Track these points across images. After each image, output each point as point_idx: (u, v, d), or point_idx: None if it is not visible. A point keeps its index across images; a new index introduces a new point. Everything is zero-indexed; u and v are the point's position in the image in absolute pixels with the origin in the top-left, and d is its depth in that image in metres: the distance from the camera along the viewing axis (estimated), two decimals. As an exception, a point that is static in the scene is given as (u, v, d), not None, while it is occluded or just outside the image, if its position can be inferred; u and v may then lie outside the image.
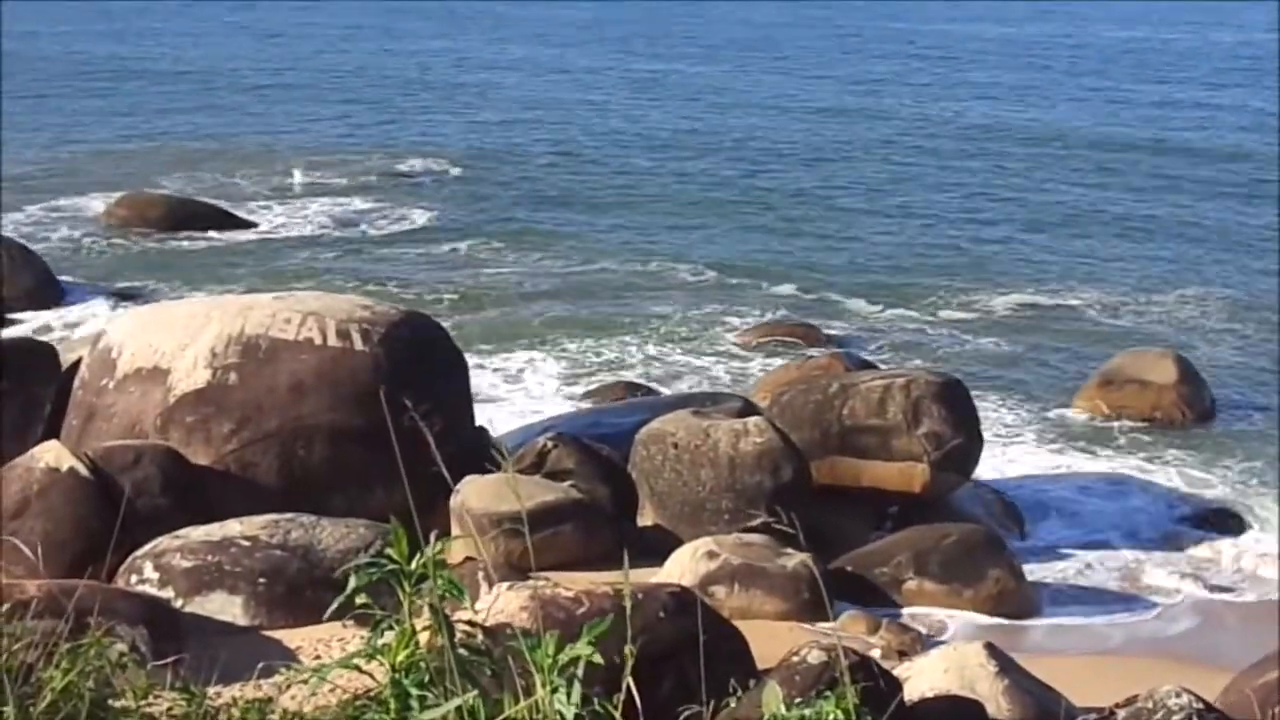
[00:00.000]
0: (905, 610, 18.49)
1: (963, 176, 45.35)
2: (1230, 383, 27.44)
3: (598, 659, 4.17)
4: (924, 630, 17.73)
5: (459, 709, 4.04)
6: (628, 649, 4.17)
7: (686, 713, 5.15)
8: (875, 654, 15.70)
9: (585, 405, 25.46)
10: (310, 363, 19.20)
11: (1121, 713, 11.06)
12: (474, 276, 34.07)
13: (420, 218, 39.46)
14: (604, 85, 63.24)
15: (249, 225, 38.11)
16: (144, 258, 34.96)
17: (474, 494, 18.25)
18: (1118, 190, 43.50)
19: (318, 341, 19.31)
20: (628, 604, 4.45)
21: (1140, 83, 65.25)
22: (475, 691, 4.03)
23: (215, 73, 64.17)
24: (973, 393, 22.67)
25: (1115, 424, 25.30)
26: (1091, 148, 49.53)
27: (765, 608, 17.49)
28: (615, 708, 4.31)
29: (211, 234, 36.94)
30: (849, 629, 17.53)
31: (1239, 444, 24.64)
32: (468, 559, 17.41)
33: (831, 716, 3.97)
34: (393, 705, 4.23)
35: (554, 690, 4.05)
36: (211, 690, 7.63)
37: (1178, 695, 10.99)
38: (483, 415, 22.25)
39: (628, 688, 4.16)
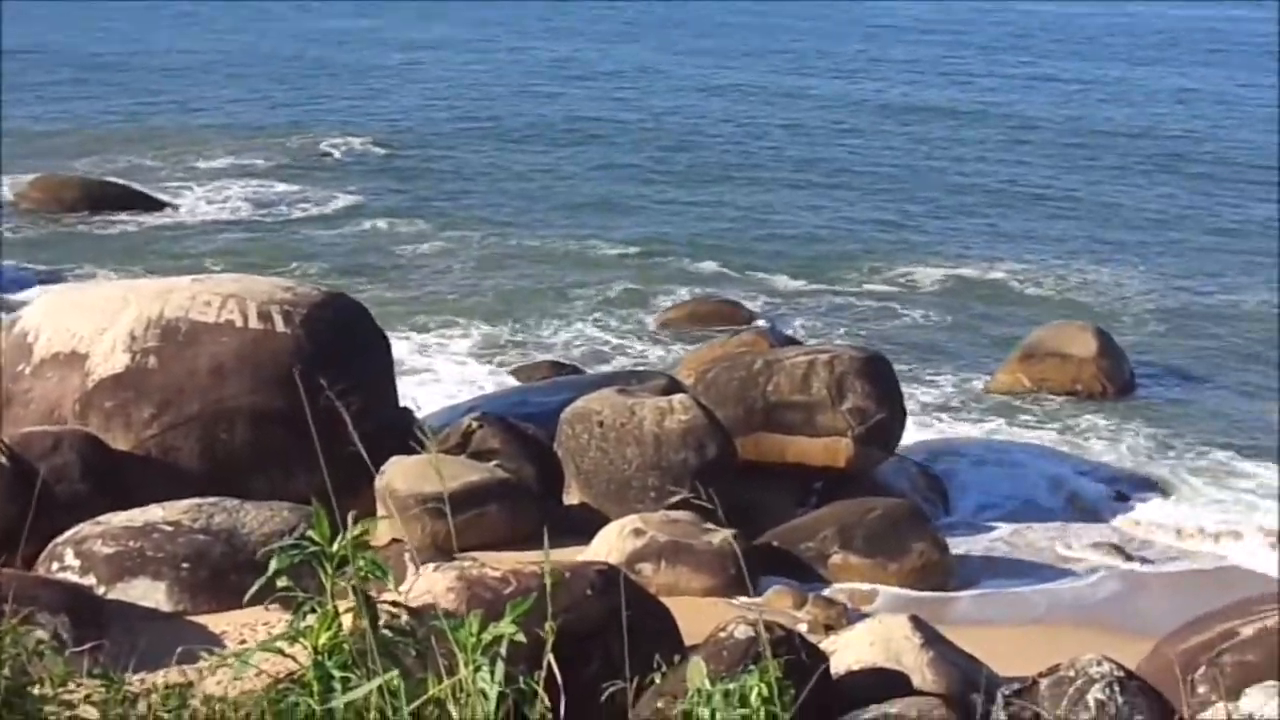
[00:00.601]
0: (831, 584, 18.59)
1: (885, 153, 45.52)
2: (1150, 355, 27.71)
3: (521, 637, 4.16)
4: (849, 604, 17.83)
5: (383, 690, 4.02)
6: (548, 625, 4.16)
7: (610, 689, 5.15)
8: (801, 628, 15.78)
9: (510, 385, 25.41)
10: (231, 345, 19.06)
11: (1044, 682, 11.15)
12: (396, 256, 33.92)
13: (342, 198, 39.22)
14: (526, 64, 63.03)
15: (167, 207, 37.74)
16: (59, 240, 34.53)
17: (399, 475, 18.19)
18: (1038, 166, 43.79)
19: (238, 324, 19.17)
20: (547, 581, 4.43)
21: (1060, 59, 65.65)
22: (395, 671, 4.01)
23: (130, 54, 63.42)
24: (896, 367, 22.80)
25: (1037, 397, 25.50)
26: (1011, 124, 49.80)
27: (692, 584, 17.53)
28: (556, 690, 4.30)
29: (128, 216, 36.55)
30: (775, 604, 17.60)
31: (1158, 415, 24.91)
32: (394, 540, 17.35)
33: (755, 690, 3.97)
34: (315, 687, 4.20)
35: (477, 669, 4.04)
36: (135, 677, 7.58)
37: (1099, 663, 11.10)
38: (407, 396, 22.16)
39: (549, 664, 4.15)
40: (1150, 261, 33.97)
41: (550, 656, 4.17)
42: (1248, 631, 13.22)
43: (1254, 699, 8.66)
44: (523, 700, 4.24)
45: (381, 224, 36.58)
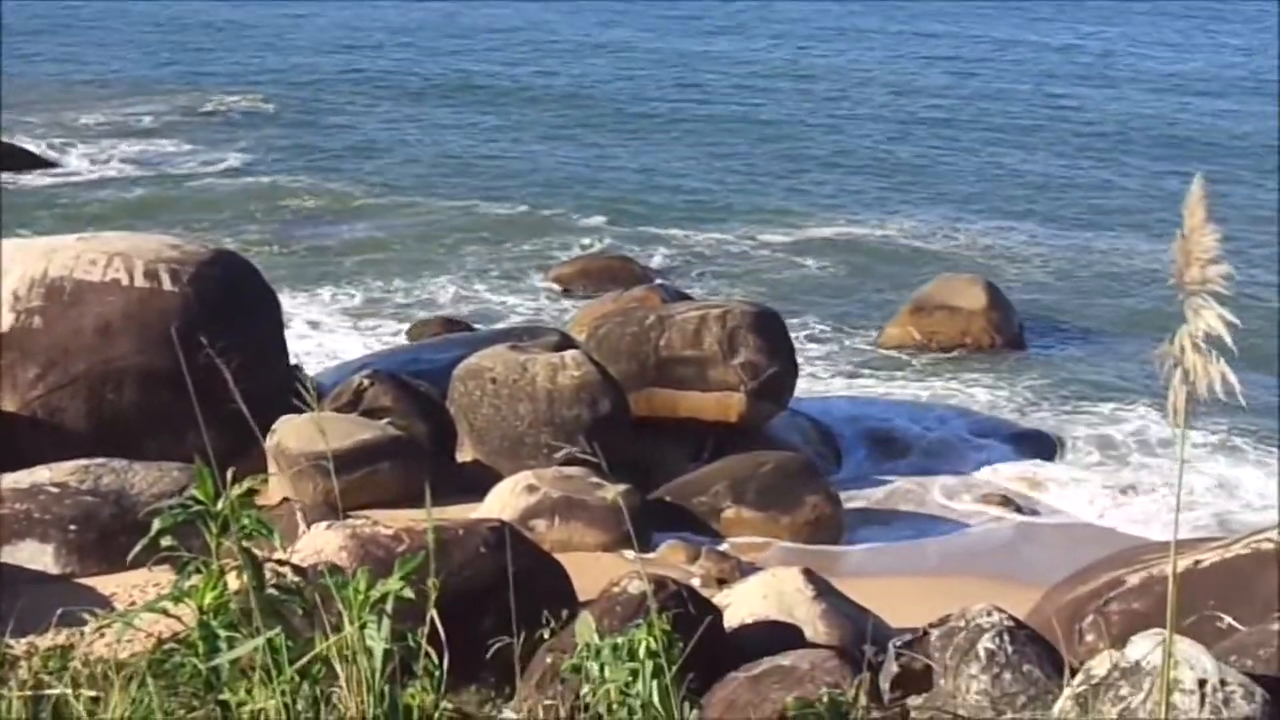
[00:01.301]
0: (724, 538, 18.68)
1: (776, 111, 45.54)
2: (1038, 308, 28.00)
3: (409, 594, 4.15)
4: (742, 558, 17.92)
5: (270, 650, 3.98)
6: (431, 582, 4.15)
7: (496, 644, 5.15)
8: (695, 582, 15.86)
9: (401, 342, 25.27)
10: (118, 304, 18.80)
11: (935, 632, 11.25)
12: (286, 214, 33.57)
13: (230, 155, 38.70)
14: (415, 19, 62.42)
15: (50, 166, 37.10)
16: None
17: (290, 434, 18.05)
18: (923, 127, 43.90)
19: (125, 282, 18.91)
20: (430, 538, 4.42)
21: (937, 21, 65.86)
22: (278, 629, 3.98)
23: (9, 11, 62.13)
24: (788, 322, 22.89)
25: (927, 350, 25.69)
26: (900, 87, 49.90)
27: (586, 540, 17.56)
28: (439, 645, 4.28)
29: (10, 176, 35.86)
30: (669, 558, 17.67)
31: (1047, 368, 25.20)
32: (285, 499, 17.24)
33: (643, 644, 3.98)
34: (200, 647, 4.16)
35: (363, 626, 4.02)
36: (22, 642, 7.47)
37: (989, 613, 11.21)
38: (297, 354, 21.98)
39: (431, 620, 4.14)
40: (1039, 219, 34.30)
41: (434, 613, 4.16)
42: (1134, 580, 13.43)
43: (1140, 646, 8.81)
44: (411, 657, 4.23)
45: (271, 181, 36.15)
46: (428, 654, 4.25)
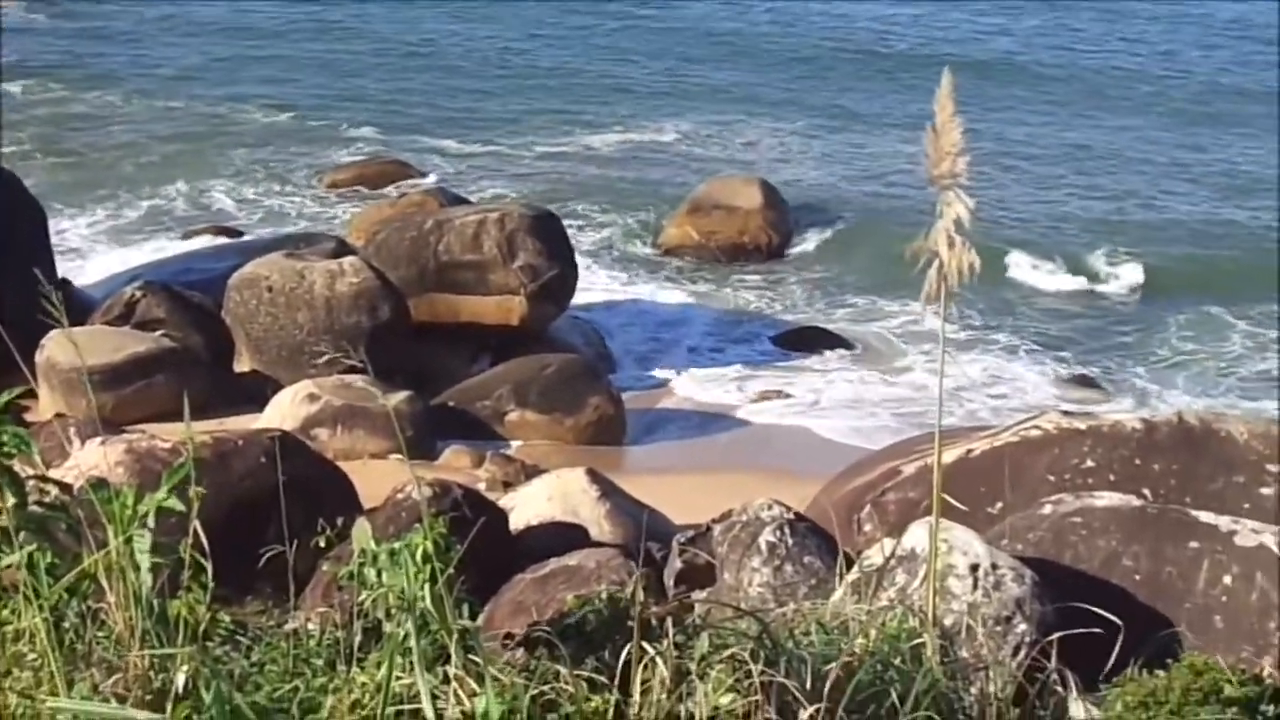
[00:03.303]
0: (508, 442, 18.72)
1: (548, 22, 45.02)
2: (812, 206, 28.31)
3: (176, 505, 4.07)
4: (527, 460, 17.95)
5: (33, 567, 3.89)
6: (193, 492, 4.08)
7: (267, 553, 5.10)
8: (480, 486, 15.84)
9: (174, 251, 24.69)
10: None
11: (717, 527, 11.39)
12: (54, 121, 32.53)
13: (-11, 62, 37.32)
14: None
15: None
16: None
17: (59, 349, 17.59)
18: (688, 36, 43.63)
19: (-122, 196, 18.21)
20: (189, 449, 4.34)
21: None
22: (37, 545, 3.89)
23: None
24: (567, 224, 22.87)
25: (705, 250, 25.85)
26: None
27: (369, 448, 17.44)
28: (205, 556, 4.22)
29: None
30: (453, 464, 17.64)
31: (821, 265, 25.57)
32: (58, 415, 16.82)
33: (420, 548, 3.97)
34: (-40, 567, 4.05)
35: (128, 540, 3.94)
36: None
37: (770, 507, 11.37)
38: (66, 267, 21.41)
39: (195, 531, 4.07)
40: (810, 118, 34.61)
41: (197, 524, 4.09)
42: (909, 470, 13.71)
43: (915, 534, 9.05)
44: (183, 570, 4.16)
45: (39, 86, 34.96)
46: (199, 566, 4.18)
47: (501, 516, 13.32)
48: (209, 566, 4.11)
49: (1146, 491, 11.45)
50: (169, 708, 3.55)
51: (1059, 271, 25.52)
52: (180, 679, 3.69)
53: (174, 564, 4.11)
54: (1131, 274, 25.44)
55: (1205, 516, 10.09)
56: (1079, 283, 25.23)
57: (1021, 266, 25.35)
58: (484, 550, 9.85)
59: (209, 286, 20.47)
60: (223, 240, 25.01)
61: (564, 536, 13.64)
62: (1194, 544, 9.77)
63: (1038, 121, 34.93)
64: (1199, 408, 17.57)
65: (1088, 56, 41.19)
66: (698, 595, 10.94)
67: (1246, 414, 17.03)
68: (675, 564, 11.64)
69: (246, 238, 25.04)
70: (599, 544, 13.71)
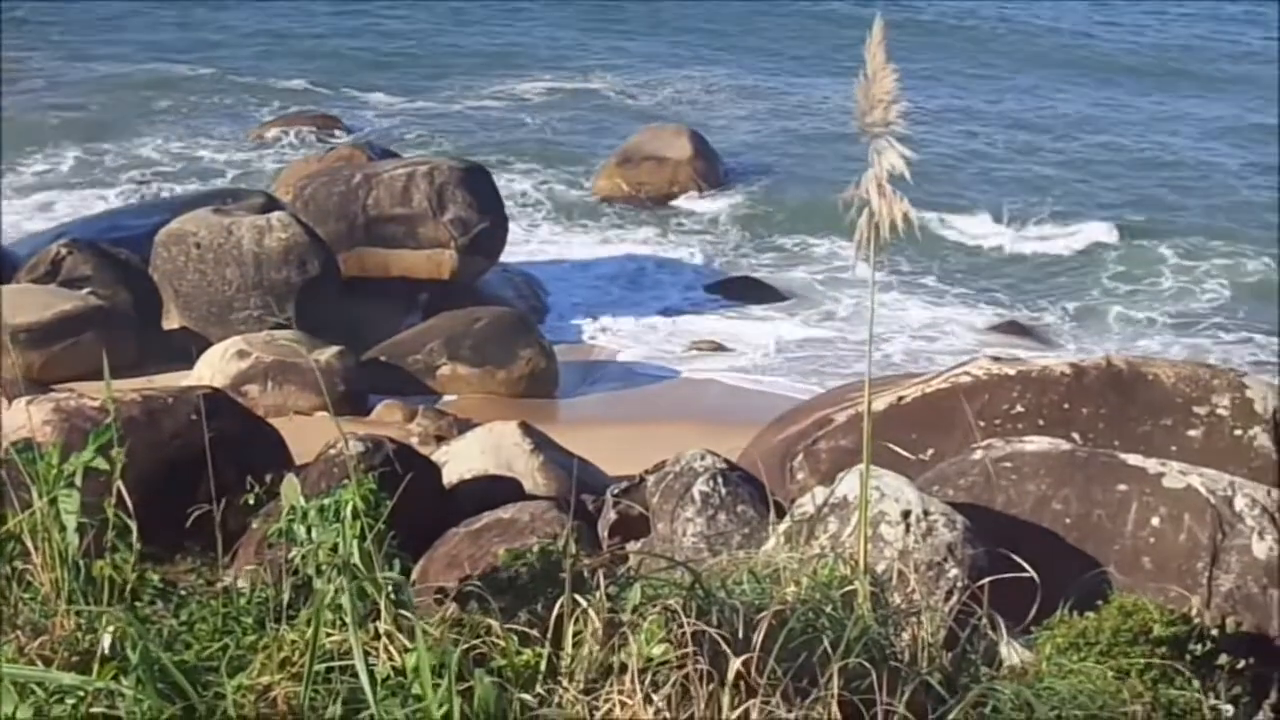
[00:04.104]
0: (441, 396, 18.67)
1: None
2: (741, 153, 28.31)
3: (102, 464, 4.03)
4: (459, 414, 17.92)
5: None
6: (115, 453, 4.04)
7: (195, 512, 5.07)
8: (413, 441, 15.79)
9: (100, 209, 24.43)
10: None
11: (651, 478, 11.41)
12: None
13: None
14: None
15: None
16: None
17: (-17, 308, 17.41)
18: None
19: None
20: (111, 409, 4.30)
21: None
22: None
23: None
24: (498, 177, 22.78)
25: (636, 200, 25.83)
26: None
27: (300, 403, 17.38)
28: (129, 516, 4.18)
29: None
30: (385, 418, 17.57)
31: (752, 214, 25.57)
32: (-18, 375, 16.65)
33: (350, 504, 3.94)
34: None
35: (53, 501, 3.91)
36: None
37: (702, 457, 11.39)
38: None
39: (118, 491, 4.04)
40: (736, 66, 34.55)
41: (120, 483, 4.05)
42: (841, 418, 13.75)
43: (847, 482, 9.09)
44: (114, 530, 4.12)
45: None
46: (123, 525, 4.14)
47: (434, 471, 13.30)
48: (134, 526, 4.07)
49: (1076, 435, 11.55)
50: (95, 669, 3.52)
51: (989, 221, 25.63)
52: (106, 640, 3.65)
53: (102, 524, 4.07)
54: (1064, 225, 25.58)
55: (1133, 459, 10.18)
56: (1010, 233, 25.34)
57: (952, 218, 25.44)
58: (416, 505, 9.83)
59: (136, 243, 20.28)
60: (149, 196, 24.74)
61: (497, 490, 13.63)
62: (1122, 486, 9.86)
63: (979, 83, 34.96)
64: (1129, 352, 17.73)
65: (1030, 17, 41.20)
66: (632, 546, 10.97)
67: (1176, 356, 17.23)
68: (609, 515, 11.67)
69: (174, 193, 24.78)
70: (532, 497, 13.71)
